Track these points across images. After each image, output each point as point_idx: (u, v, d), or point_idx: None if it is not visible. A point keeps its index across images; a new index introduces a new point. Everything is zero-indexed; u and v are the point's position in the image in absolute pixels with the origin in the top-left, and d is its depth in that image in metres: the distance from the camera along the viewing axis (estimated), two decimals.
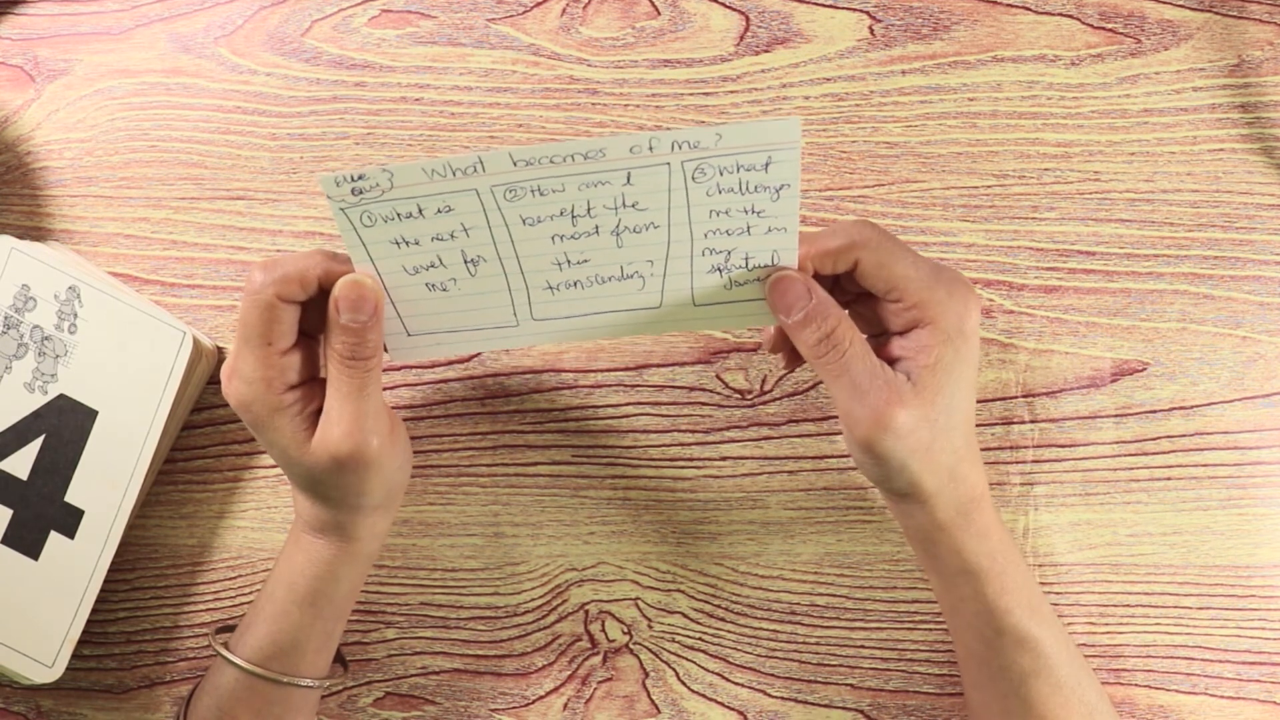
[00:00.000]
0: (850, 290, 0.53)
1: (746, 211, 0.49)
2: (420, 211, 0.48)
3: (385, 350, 0.53)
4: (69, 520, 0.57)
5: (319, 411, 0.51)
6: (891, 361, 0.51)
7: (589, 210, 0.49)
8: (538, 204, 0.48)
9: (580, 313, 0.52)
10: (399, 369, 0.62)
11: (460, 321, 0.52)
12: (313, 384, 0.52)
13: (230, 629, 0.57)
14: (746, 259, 0.51)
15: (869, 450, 0.51)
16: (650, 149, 0.47)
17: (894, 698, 0.62)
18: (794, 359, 0.56)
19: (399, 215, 0.48)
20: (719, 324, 0.53)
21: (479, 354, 0.63)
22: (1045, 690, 0.53)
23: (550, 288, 0.51)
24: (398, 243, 0.49)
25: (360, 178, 0.47)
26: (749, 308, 0.52)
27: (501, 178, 0.47)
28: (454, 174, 0.47)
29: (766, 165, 0.48)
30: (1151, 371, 0.62)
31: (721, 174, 0.48)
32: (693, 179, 0.48)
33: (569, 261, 0.50)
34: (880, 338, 0.53)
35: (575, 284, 0.51)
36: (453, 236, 0.49)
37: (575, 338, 0.53)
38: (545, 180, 0.48)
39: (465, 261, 0.50)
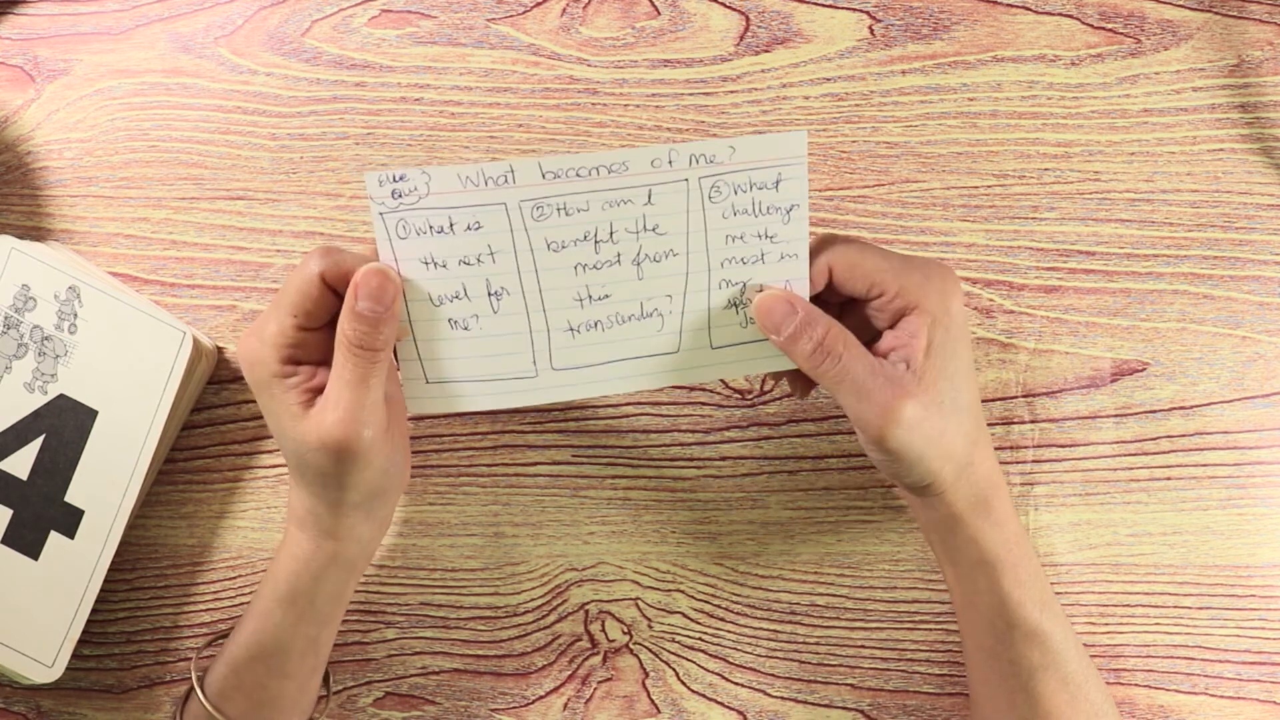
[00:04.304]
0: (833, 302, 0.53)
1: (760, 236, 0.51)
2: (451, 226, 0.50)
3: (405, 399, 0.54)
4: (69, 520, 0.57)
5: (320, 390, 0.51)
6: (887, 356, 0.52)
7: (611, 234, 0.50)
8: (563, 225, 0.50)
9: (599, 360, 0.53)
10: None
11: (479, 369, 0.53)
12: (321, 365, 0.52)
13: (219, 636, 0.57)
14: (761, 289, 0.52)
15: (883, 448, 0.51)
16: (670, 162, 0.49)
17: (894, 698, 0.62)
18: (802, 386, 0.56)
19: (431, 228, 0.50)
20: (735, 370, 0.54)
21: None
22: (1053, 686, 0.53)
23: (571, 329, 0.52)
24: (427, 262, 0.50)
25: (401, 178, 0.49)
26: (764, 349, 0.53)
27: (530, 191, 0.49)
28: (486, 182, 0.49)
29: (777, 183, 0.50)
30: (1151, 371, 0.62)
31: (736, 193, 0.50)
32: (709, 199, 0.50)
33: (590, 297, 0.52)
34: (873, 341, 0.53)
35: (595, 324, 0.52)
36: (479, 260, 0.50)
37: (593, 391, 0.54)
38: (571, 198, 0.49)
39: (489, 294, 0.51)
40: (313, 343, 0.51)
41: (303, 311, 0.50)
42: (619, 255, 0.51)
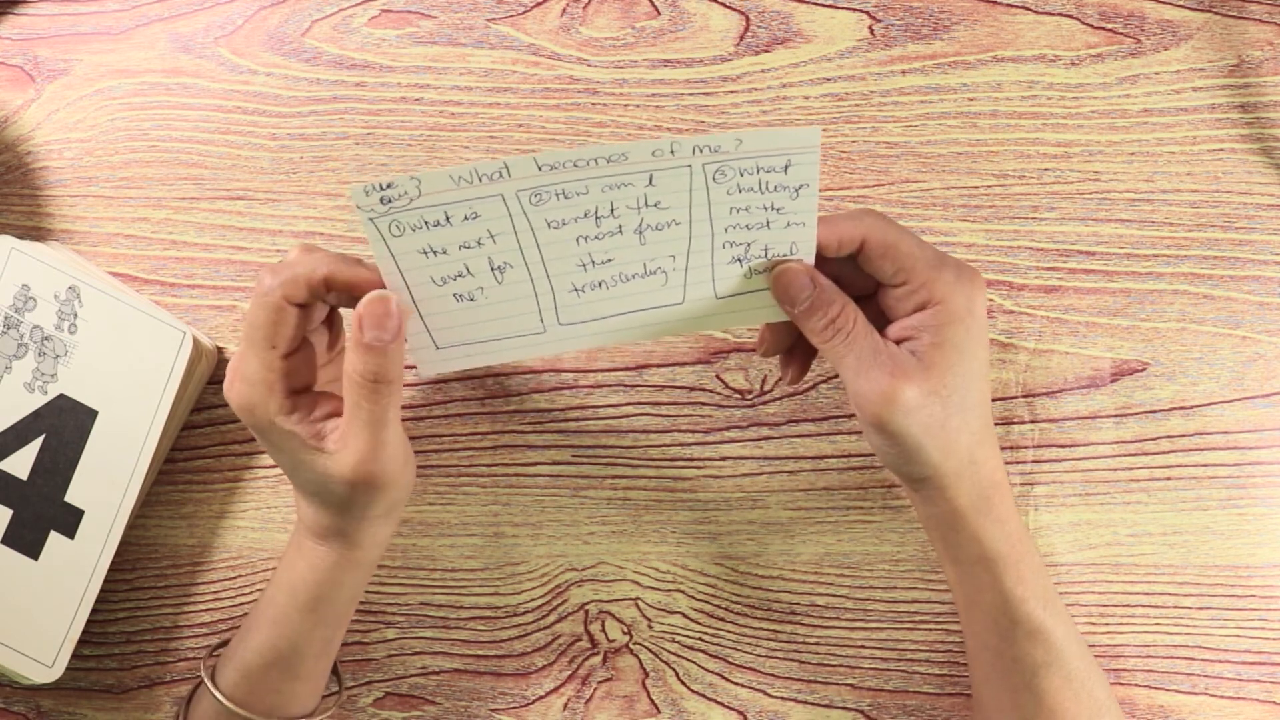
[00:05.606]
0: (855, 286, 0.53)
1: (766, 209, 0.50)
2: (447, 219, 0.48)
3: (414, 365, 0.53)
4: (69, 520, 0.57)
5: (325, 418, 0.51)
6: (899, 343, 0.52)
7: (612, 210, 0.49)
8: (562, 207, 0.49)
9: (605, 314, 0.53)
10: None
11: (488, 331, 0.52)
12: (310, 389, 0.52)
13: (226, 643, 0.57)
14: (766, 250, 0.52)
15: (881, 429, 0.51)
16: (672, 153, 0.48)
17: (894, 698, 0.62)
18: (793, 365, 0.56)
19: (426, 224, 0.48)
20: (741, 319, 0.54)
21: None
22: (1057, 683, 0.53)
23: (576, 290, 0.52)
24: (426, 252, 0.49)
25: (389, 186, 0.47)
26: (769, 298, 0.53)
27: (527, 182, 0.48)
28: (480, 180, 0.47)
29: (786, 168, 0.49)
30: (1151, 371, 0.62)
31: (742, 175, 0.49)
32: (713, 180, 0.49)
33: (593, 261, 0.51)
34: (888, 326, 0.53)
35: (600, 284, 0.52)
36: (479, 244, 0.50)
37: (601, 341, 0.53)
38: (569, 184, 0.48)
39: (492, 269, 0.50)
40: (298, 367, 0.51)
41: (280, 339, 0.50)
42: (620, 227, 0.50)
